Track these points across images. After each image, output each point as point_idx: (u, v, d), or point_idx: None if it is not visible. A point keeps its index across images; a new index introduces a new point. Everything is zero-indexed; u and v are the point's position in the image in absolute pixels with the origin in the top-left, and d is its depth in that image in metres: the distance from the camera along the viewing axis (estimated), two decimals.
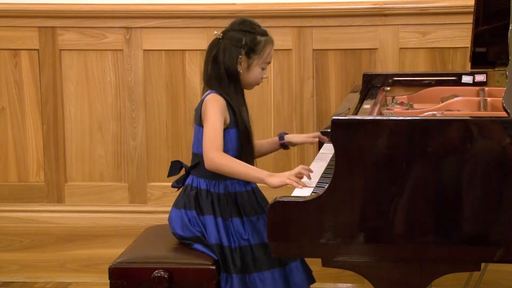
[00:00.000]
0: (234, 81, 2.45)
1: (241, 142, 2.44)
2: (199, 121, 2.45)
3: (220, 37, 2.46)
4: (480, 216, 1.91)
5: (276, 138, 2.69)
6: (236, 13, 3.26)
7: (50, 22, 3.45)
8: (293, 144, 2.71)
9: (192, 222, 2.42)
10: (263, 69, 2.48)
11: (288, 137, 2.68)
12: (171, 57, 3.43)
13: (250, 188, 2.48)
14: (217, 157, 2.34)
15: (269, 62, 2.50)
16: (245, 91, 2.52)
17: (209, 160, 2.34)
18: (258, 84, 2.52)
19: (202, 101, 2.45)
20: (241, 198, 2.44)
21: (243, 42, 2.42)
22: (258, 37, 2.44)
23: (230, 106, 2.43)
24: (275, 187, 2.26)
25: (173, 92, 3.45)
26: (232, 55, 2.42)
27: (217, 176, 2.40)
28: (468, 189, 1.90)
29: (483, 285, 2.95)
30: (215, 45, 2.46)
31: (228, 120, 2.42)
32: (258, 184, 2.51)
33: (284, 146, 2.69)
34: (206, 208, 2.41)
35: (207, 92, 2.46)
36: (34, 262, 3.54)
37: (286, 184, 2.25)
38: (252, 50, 2.43)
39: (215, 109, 2.39)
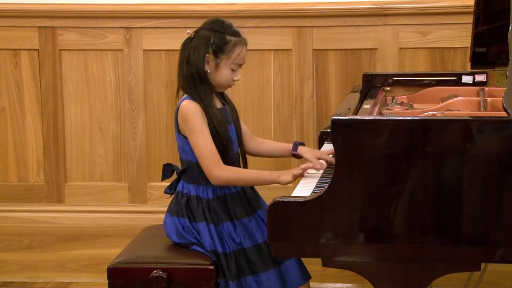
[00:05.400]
0: (204, 82, 2.40)
1: (215, 144, 2.38)
2: (177, 129, 2.43)
3: (192, 36, 2.42)
4: (480, 216, 1.91)
5: (289, 147, 2.58)
6: (236, 13, 3.27)
7: (50, 22, 3.45)
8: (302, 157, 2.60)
9: (186, 230, 2.42)
10: (233, 70, 2.42)
11: (301, 150, 2.54)
12: (171, 57, 3.43)
13: (240, 188, 2.46)
14: (222, 174, 2.33)
15: (241, 64, 2.44)
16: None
17: (215, 178, 2.34)
18: (229, 86, 2.47)
19: (177, 108, 2.41)
20: (231, 200, 2.43)
21: (211, 41, 2.37)
22: (228, 37, 2.39)
23: (204, 110, 2.38)
24: (289, 183, 2.28)
25: (173, 92, 3.42)
26: (200, 53, 2.38)
27: (205, 181, 2.39)
28: (468, 189, 1.90)
29: (483, 285, 2.95)
30: (187, 45, 2.42)
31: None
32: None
33: (296, 156, 2.58)
34: (198, 215, 2.40)
35: (181, 99, 2.43)
36: (34, 262, 3.54)
37: (299, 176, 2.29)
38: (220, 49, 2.38)
39: (196, 119, 2.35)
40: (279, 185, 2.34)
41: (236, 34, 2.41)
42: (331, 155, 2.44)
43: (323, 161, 2.44)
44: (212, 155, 2.34)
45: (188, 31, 2.44)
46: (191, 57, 2.40)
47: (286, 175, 2.31)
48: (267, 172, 2.41)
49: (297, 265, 2.41)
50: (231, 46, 2.39)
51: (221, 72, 2.41)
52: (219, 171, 2.33)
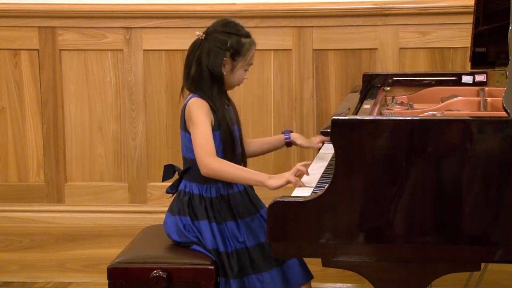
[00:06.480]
0: (218, 83, 2.42)
1: (225, 144, 2.41)
2: (183, 126, 2.44)
3: (203, 38, 2.43)
4: (480, 216, 1.91)
5: (281, 136, 2.68)
6: (236, 13, 3.26)
7: (50, 22, 3.45)
8: (296, 145, 2.71)
9: (187, 228, 2.42)
10: (245, 70, 2.46)
11: (293, 137, 2.67)
12: (171, 57, 3.43)
13: (242, 188, 2.47)
14: (213, 163, 2.33)
15: (252, 64, 2.48)
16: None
17: (205, 167, 2.33)
18: (239, 85, 2.50)
19: (184, 105, 2.43)
20: (234, 200, 2.44)
21: (228, 45, 2.39)
22: (243, 39, 2.41)
23: (212, 109, 2.40)
24: (275, 189, 2.26)
25: (173, 92, 3.45)
26: (218, 57, 2.39)
27: (209, 180, 2.40)
28: (468, 189, 1.90)
29: (483, 285, 2.95)
30: (197, 46, 2.43)
31: (213, 123, 2.40)
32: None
33: (289, 144, 2.69)
34: (200, 213, 2.41)
35: (189, 96, 2.44)
36: (34, 262, 3.54)
37: (286, 185, 2.25)
38: (237, 52, 2.40)
39: (200, 113, 2.37)
40: None
41: (249, 35, 2.44)
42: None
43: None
44: (207, 144, 2.34)
45: (197, 32, 2.44)
46: (203, 60, 2.40)
47: (274, 180, 2.26)
48: (256, 172, 2.35)
49: (300, 264, 2.42)
50: (247, 48, 2.42)
51: (236, 74, 2.44)
52: (209, 160, 2.32)
